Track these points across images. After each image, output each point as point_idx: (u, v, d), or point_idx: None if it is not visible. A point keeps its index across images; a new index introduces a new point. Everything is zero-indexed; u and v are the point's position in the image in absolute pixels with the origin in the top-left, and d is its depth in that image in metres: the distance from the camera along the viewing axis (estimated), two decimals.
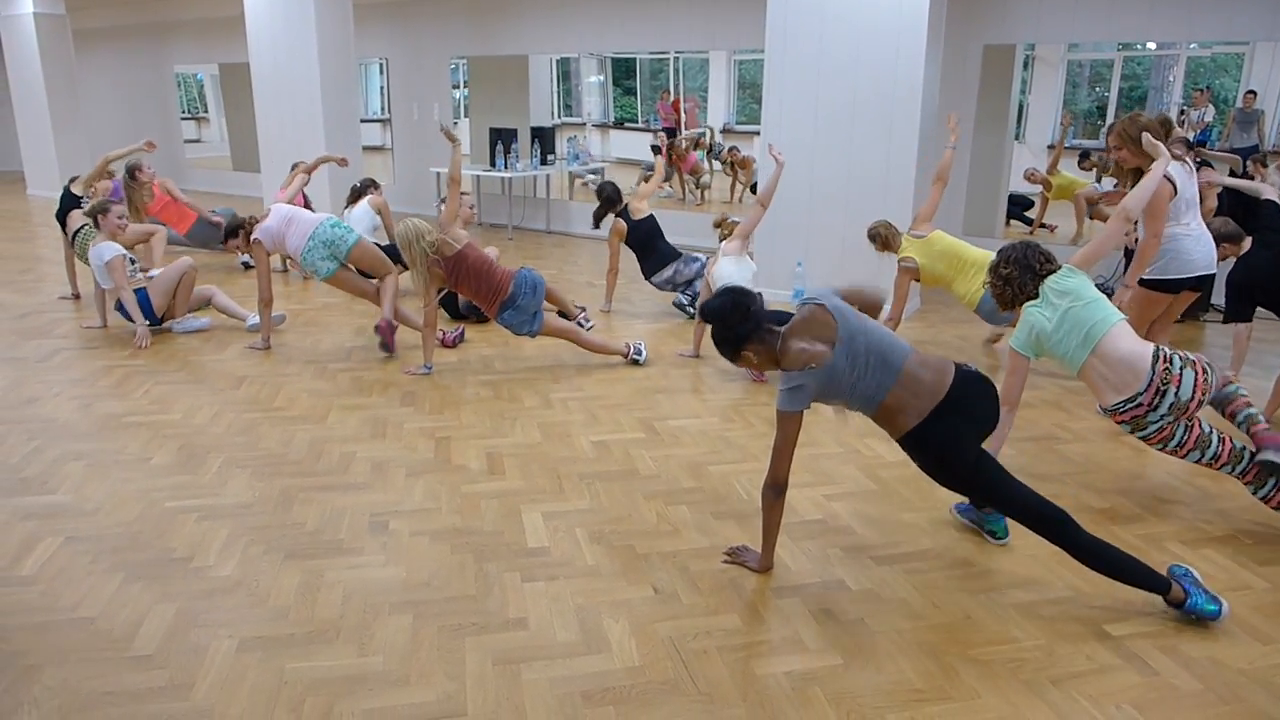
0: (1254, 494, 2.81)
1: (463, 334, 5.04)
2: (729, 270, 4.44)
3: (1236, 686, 2.11)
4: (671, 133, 9.67)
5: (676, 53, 10.03)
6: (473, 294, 4.35)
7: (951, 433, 2.37)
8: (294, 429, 3.71)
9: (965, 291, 4.48)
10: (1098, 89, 9.51)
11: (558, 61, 10.24)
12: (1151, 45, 8.69)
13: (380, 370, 4.50)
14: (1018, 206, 7.72)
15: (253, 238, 4.76)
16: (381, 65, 10.31)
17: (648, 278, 5.62)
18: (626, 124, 11.57)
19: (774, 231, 5.76)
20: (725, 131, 10.59)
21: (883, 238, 4.76)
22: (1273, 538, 2.85)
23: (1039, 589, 2.53)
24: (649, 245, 5.57)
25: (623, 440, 3.62)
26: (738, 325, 2.41)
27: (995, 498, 2.42)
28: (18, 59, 11.26)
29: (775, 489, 2.46)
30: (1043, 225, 7.67)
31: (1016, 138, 7.72)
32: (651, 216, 5.61)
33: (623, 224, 5.57)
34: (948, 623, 2.36)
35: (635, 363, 4.63)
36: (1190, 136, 7.85)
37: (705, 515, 2.97)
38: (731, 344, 2.44)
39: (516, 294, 4.28)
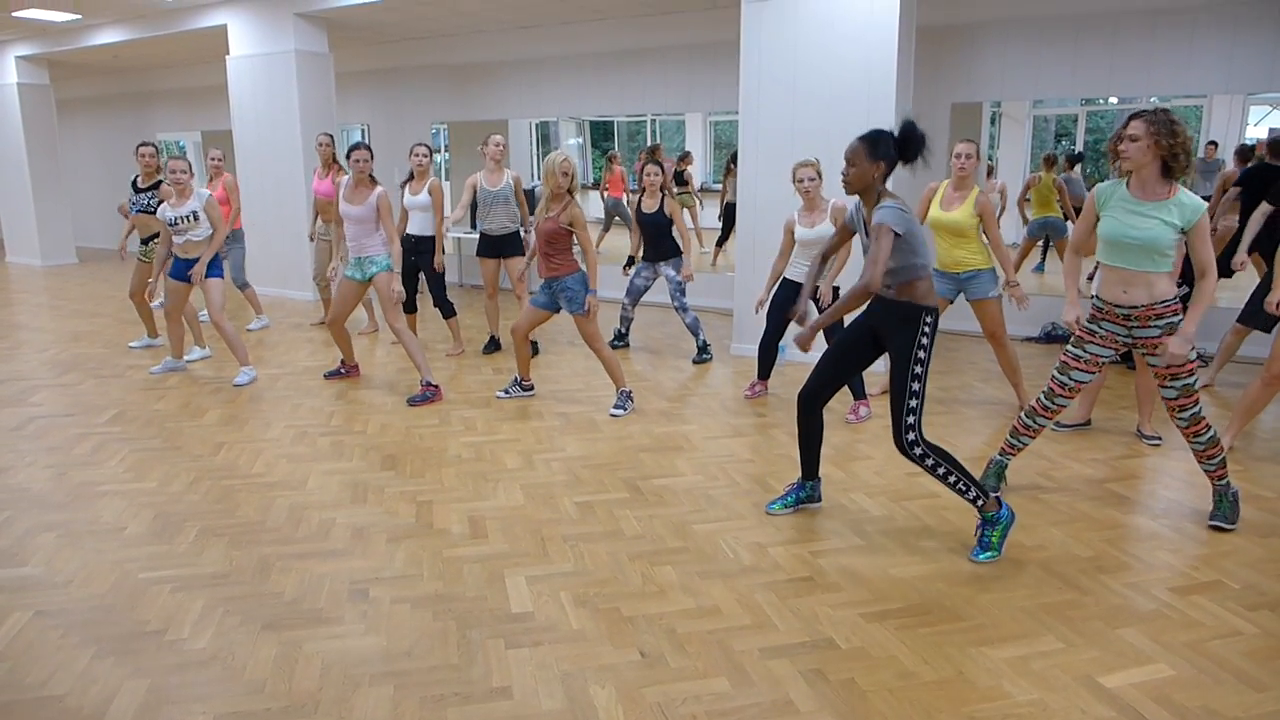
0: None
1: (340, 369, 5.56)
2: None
3: None
4: None
5: (653, 115, 10.23)
6: (550, 254, 4.67)
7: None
8: (272, 495, 3.65)
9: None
10: (1063, 142, 9.78)
11: (537, 125, 10.42)
12: (1113, 99, 8.96)
13: (361, 434, 4.46)
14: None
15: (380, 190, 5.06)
16: (363, 130, 10.45)
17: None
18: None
19: (753, 286, 5.82)
20: (703, 190, 10.78)
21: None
22: (1257, 583, 2.85)
23: (1029, 642, 2.51)
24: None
25: (607, 500, 3.59)
26: None
27: None
28: (1, 129, 11.32)
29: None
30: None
31: None
32: (659, 212, 5.91)
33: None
34: (940, 680, 2.33)
35: (614, 415, 4.70)
36: None
37: (692, 575, 2.93)
38: None
39: (579, 276, 4.71)
